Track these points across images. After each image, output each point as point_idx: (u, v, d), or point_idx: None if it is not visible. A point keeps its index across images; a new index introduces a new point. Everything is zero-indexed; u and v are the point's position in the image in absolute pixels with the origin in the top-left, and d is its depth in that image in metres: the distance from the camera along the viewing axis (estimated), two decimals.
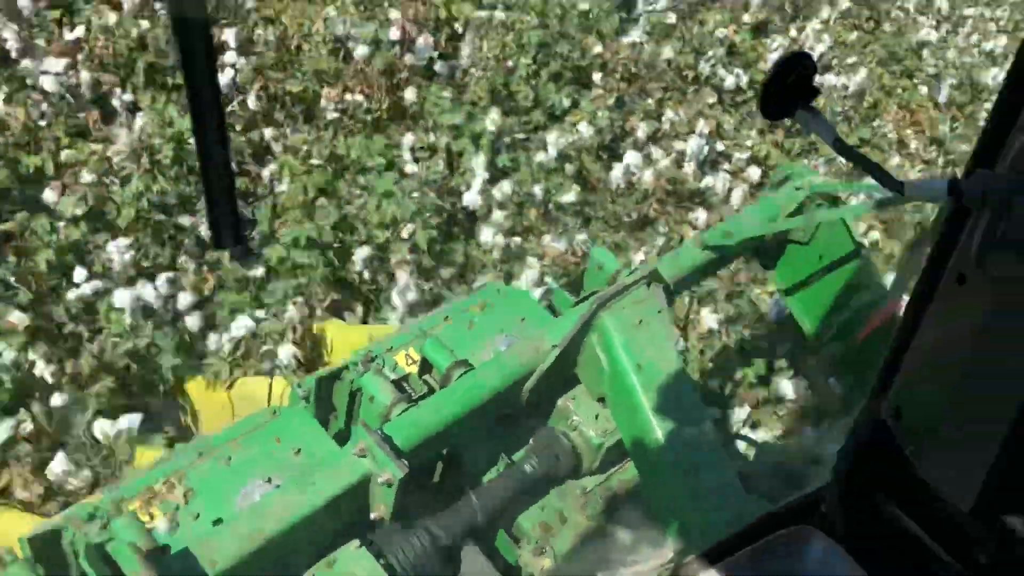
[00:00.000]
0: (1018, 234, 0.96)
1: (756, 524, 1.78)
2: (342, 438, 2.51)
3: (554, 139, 4.49)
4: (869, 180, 3.71)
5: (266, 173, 4.25)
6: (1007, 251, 0.98)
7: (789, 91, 1.09)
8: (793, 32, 5.52)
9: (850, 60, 5.42)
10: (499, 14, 4.94)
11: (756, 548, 1.70)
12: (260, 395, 3.36)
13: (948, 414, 1.40)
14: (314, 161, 4.24)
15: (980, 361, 1.32)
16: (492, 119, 4.47)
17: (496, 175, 4.33)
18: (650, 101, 4.99)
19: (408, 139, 4.42)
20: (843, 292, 3.14)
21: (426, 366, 2.71)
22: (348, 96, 4.58)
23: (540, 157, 4.45)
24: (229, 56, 4.52)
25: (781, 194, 3.12)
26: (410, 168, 4.31)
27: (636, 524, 2.57)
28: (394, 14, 4.83)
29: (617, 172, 4.53)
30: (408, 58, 4.77)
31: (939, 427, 1.42)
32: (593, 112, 4.77)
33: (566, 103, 4.82)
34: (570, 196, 4.36)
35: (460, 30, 4.99)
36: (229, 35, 4.56)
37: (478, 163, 4.34)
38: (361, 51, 4.70)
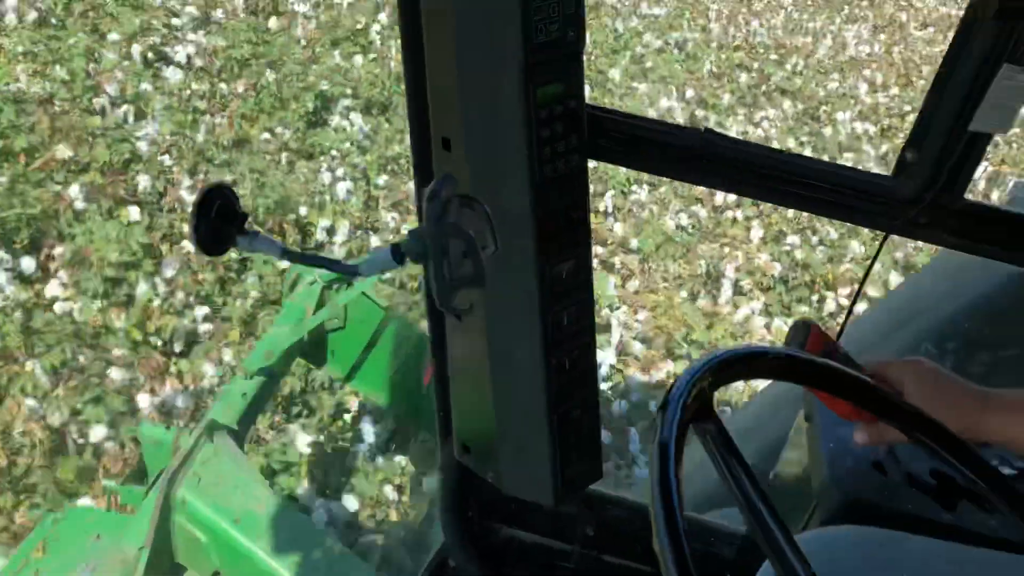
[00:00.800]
0: (463, 271, 1.07)
1: None
2: None
3: None
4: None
5: None
6: (459, 287, 1.08)
7: (220, 224, 1.10)
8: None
9: None
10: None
11: None
12: None
13: (500, 432, 1.52)
14: None
15: (499, 373, 1.46)
16: None
17: None
18: None
19: None
20: (394, 356, 3.28)
21: None
22: None
23: None
24: None
25: (300, 295, 3.18)
26: None
27: None
28: (115, 373, 3.63)
29: None
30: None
31: (499, 446, 1.53)
32: None
33: None
34: None
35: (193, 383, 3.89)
36: None
37: None
38: (98, 432, 3.39)
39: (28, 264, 4.07)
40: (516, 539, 1.83)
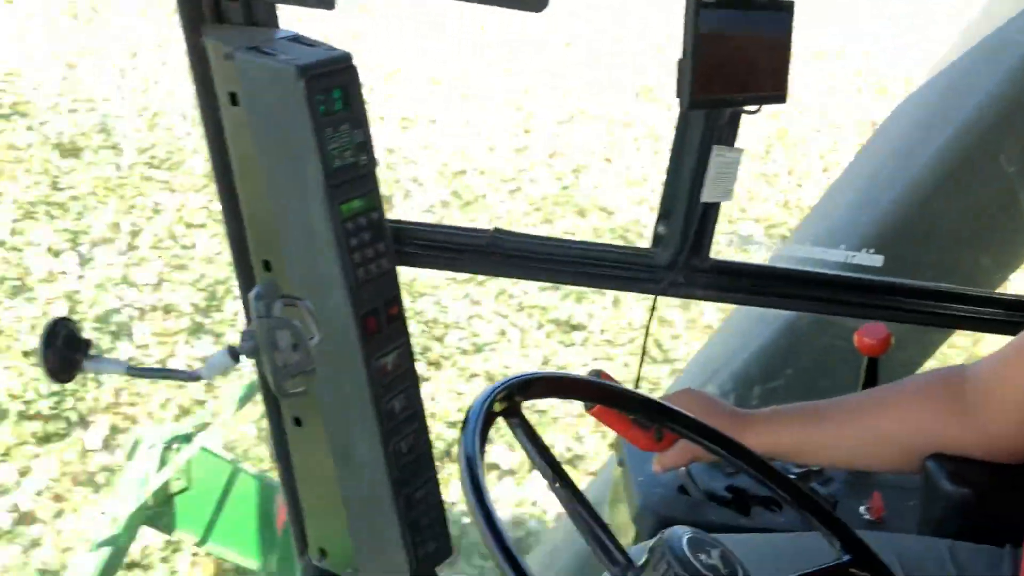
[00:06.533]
0: (293, 359, 1.23)
1: None
2: None
3: None
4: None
5: None
6: (292, 373, 1.23)
7: (66, 352, 1.20)
8: None
9: None
10: None
11: None
12: None
13: (352, 527, 1.63)
14: None
15: (343, 468, 1.58)
16: None
17: None
18: None
19: None
20: (245, 508, 3.25)
21: None
22: None
23: None
24: None
25: (138, 460, 3.14)
26: None
27: None
28: None
29: None
30: None
31: (353, 541, 1.64)
32: None
33: None
34: None
35: None
36: None
37: None
38: None
39: None
40: None
